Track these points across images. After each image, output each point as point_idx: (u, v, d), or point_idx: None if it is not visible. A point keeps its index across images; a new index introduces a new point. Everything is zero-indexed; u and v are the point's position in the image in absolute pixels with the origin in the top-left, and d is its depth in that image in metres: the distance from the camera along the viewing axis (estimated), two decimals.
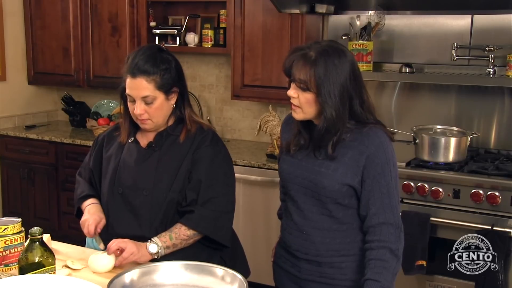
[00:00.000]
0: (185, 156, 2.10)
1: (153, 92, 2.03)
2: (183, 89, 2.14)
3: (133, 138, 2.17)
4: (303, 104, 1.81)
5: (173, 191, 2.08)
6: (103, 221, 2.12)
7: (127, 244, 1.96)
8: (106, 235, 2.16)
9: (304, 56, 1.78)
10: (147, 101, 2.04)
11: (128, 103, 2.09)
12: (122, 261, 1.95)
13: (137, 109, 2.04)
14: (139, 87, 2.02)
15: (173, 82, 2.08)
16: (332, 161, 1.82)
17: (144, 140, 2.16)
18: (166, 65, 2.06)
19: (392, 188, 1.81)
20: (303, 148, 1.89)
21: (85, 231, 2.09)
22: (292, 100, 1.83)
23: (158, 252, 1.99)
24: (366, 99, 1.84)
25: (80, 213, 2.23)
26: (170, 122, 2.15)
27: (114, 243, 1.96)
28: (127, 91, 2.05)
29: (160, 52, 2.10)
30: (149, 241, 2.01)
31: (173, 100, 2.11)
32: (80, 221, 2.13)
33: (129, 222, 2.11)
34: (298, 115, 1.85)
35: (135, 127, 2.17)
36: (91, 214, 2.12)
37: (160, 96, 2.05)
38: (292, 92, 1.82)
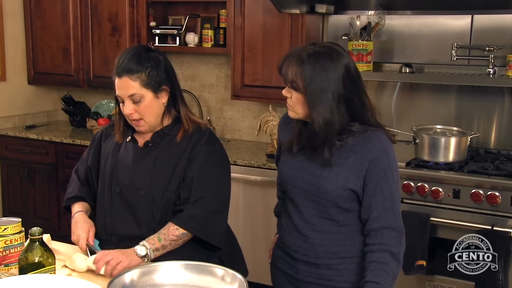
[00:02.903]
0: (182, 155, 2.09)
1: (140, 90, 2.03)
2: (174, 88, 2.13)
3: (130, 137, 2.17)
4: (294, 104, 1.82)
5: (169, 190, 2.07)
6: (92, 230, 2.09)
7: (113, 254, 1.92)
8: (105, 235, 2.16)
9: (296, 56, 1.78)
10: (134, 99, 2.03)
11: (120, 105, 2.10)
12: (110, 269, 1.89)
13: (126, 108, 2.04)
14: (125, 86, 2.03)
15: (161, 80, 2.06)
16: (334, 164, 1.81)
17: (141, 139, 2.16)
18: (151, 63, 2.05)
19: (394, 192, 1.80)
20: (304, 149, 1.88)
21: (77, 245, 2.09)
22: (287, 100, 1.84)
23: (147, 254, 1.96)
24: (366, 101, 1.83)
25: (69, 209, 2.25)
26: (167, 122, 2.14)
27: (99, 257, 1.92)
28: (116, 92, 2.07)
29: (146, 51, 2.09)
30: (136, 245, 1.98)
31: (163, 99, 2.09)
32: (71, 235, 2.12)
33: (128, 222, 2.11)
34: (291, 114, 1.86)
35: (131, 127, 2.18)
36: (77, 229, 2.09)
37: (148, 94, 2.04)
38: (285, 91, 1.83)
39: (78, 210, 2.19)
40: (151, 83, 2.04)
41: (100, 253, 1.94)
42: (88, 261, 1.96)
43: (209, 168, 2.09)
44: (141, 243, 1.99)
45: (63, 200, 2.29)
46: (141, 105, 2.04)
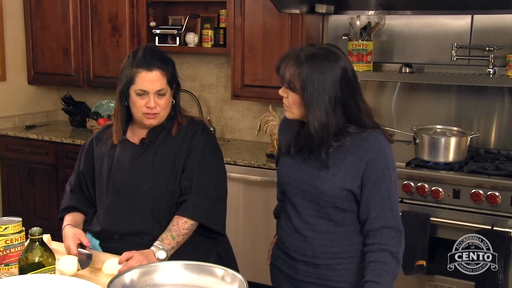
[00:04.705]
0: (180, 147, 2.14)
1: (165, 86, 2.12)
2: (179, 86, 2.24)
3: (124, 138, 2.19)
4: (291, 104, 1.82)
5: (173, 183, 2.12)
6: (79, 234, 2.09)
7: (137, 258, 1.93)
8: (105, 234, 2.17)
9: (294, 56, 1.79)
10: (160, 93, 2.10)
11: (136, 98, 2.11)
12: (125, 268, 1.88)
13: (151, 102, 2.09)
14: (156, 80, 2.08)
15: (176, 78, 2.18)
16: (331, 165, 1.81)
17: (135, 138, 2.20)
18: (172, 62, 2.17)
19: (392, 191, 1.80)
20: (303, 150, 1.88)
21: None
22: (283, 100, 1.84)
23: (167, 256, 2.01)
24: (362, 104, 1.83)
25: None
26: None
27: (124, 259, 1.94)
28: (140, 86, 2.08)
29: (161, 51, 2.20)
30: (153, 247, 2.00)
31: (171, 97, 2.18)
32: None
33: (130, 219, 2.13)
34: (288, 115, 1.87)
35: (126, 126, 2.21)
36: (66, 241, 2.09)
37: (169, 91, 2.14)
38: (281, 91, 1.83)
39: (66, 224, 2.20)
40: (171, 81, 2.15)
41: (125, 255, 1.94)
42: (107, 265, 1.95)
43: (208, 157, 2.15)
44: (158, 245, 2.00)
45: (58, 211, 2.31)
46: (163, 99, 2.12)
